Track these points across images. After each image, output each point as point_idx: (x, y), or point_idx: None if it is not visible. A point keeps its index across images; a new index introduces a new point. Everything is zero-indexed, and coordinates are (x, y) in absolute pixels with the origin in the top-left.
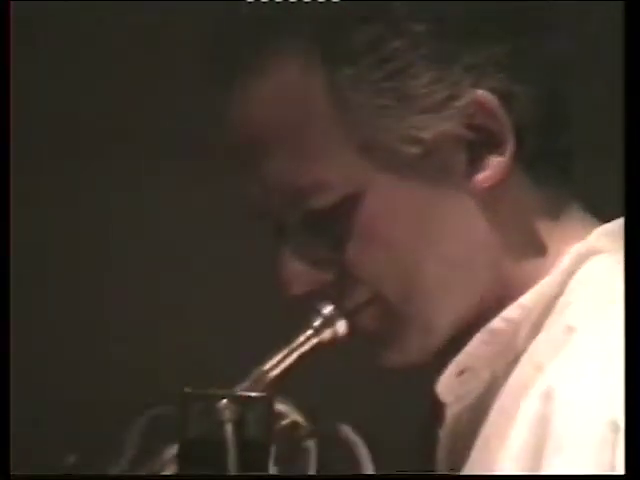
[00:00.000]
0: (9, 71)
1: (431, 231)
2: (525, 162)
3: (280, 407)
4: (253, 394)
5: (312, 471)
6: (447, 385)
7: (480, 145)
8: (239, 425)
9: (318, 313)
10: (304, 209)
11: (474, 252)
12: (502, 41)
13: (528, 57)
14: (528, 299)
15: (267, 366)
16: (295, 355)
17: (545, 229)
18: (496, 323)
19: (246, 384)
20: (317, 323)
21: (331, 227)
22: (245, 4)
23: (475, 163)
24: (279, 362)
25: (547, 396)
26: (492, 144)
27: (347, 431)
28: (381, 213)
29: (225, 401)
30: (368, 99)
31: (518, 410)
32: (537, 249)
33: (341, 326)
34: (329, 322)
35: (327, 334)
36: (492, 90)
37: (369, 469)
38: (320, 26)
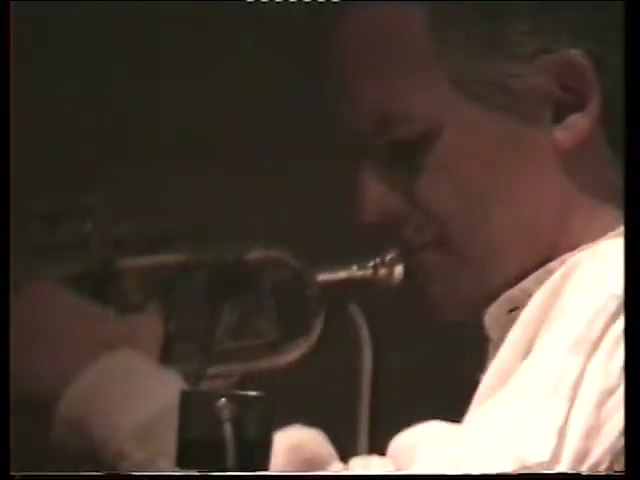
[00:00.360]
0: (9, 71)
1: (504, 180)
2: (609, 132)
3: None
4: (252, 393)
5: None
6: (497, 320)
7: (567, 104)
8: (238, 424)
9: (379, 254)
10: (389, 136)
11: (542, 211)
12: (605, 11)
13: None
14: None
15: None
16: (349, 280)
17: (613, 200)
18: (553, 264)
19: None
20: (375, 262)
21: (411, 158)
22: None
23: (559, 121)
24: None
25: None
26: (579, 105)
27: (354, 310)
28: (457, 151)
29: (224, 400)
30: (464, 38)
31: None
32: (604, 219)
33: (398, 271)
34: (388, 264)
35: (383, 273)
36: (588, 52)
37: (368, 350)
38: None
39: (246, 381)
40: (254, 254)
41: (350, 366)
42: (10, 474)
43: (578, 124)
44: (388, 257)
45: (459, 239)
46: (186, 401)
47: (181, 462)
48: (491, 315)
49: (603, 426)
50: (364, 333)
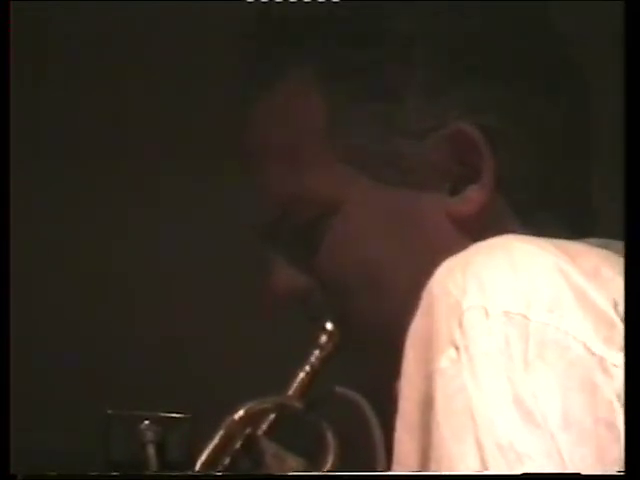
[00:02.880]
0: (9, 71)
1: (403, 251)
2: (512, 201)
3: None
4: (175, 415)
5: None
6: None
7: (461, 177)
8: (161, 446)
9: (323, 329)
10: (293, 218)
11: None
12: (497, 80)
13: (522, 101)
14: None
15: (291, 392)
16: (311, 374)
17: None
18: None
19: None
20: (323, 339)
21: (312, 235)
22: (254, 21)
23: (455, 193)
24: (300, 382)
25: None
26: (473, 177)
27: (344, 391)
28: (355, 226)
29: (147, 422)
30: (357, 117)
31: None
32: None
33: (338, 335)
34: (331, 336)
35: (330, 347)
36: (479, 126)
37: (375, 424)
38: (320, 44)
39: None
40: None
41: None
42: (10, 474)
43: (474, 196)
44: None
45: (358, 313)
46: (110, 424)
47: None
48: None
49: None
50: (365, 407)
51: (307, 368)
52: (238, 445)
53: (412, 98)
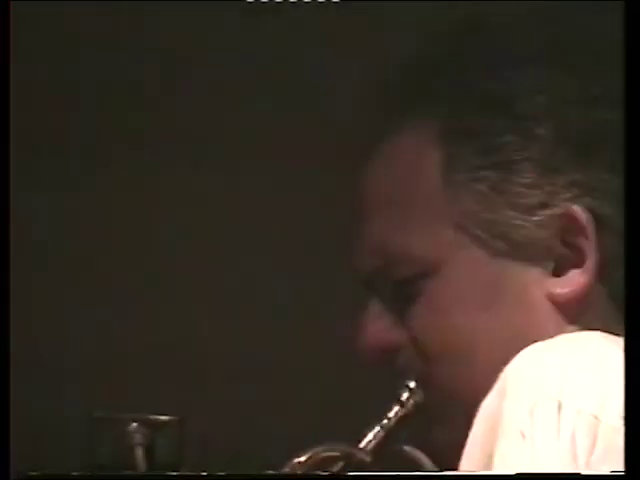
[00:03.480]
0: (9, 71)
1: (495, 325)
2: (609, 289)
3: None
4: (163, 417)
5: None
6: None
7: (566, 259)
8: (150, 448)
9: (406, 387)
10: (390, 273)
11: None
12: (614, 170)
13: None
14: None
15: (363, 444)
16: (387, 429)
17: None
18: None
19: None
20: (404, 397)
21: (409, 293)
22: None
23: (557, 275)
24: (373, 436)
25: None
26: (578, 261)
27: (411, 450)
28: (452, 291)
29: (135, 425)
30: (471, 182)
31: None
32: None
33: (420, 395)
34: (413, 394)
35: (410, 405)
36: (588, 209)
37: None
38: (444, 107)
39: None
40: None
41: None
42: (10, 474)
43: (575, 280)
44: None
45: (447, 378)
46: (98, 426)
47: None
48: None
49: None
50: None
51: (384, 422)
52: None
53: (529, 173)
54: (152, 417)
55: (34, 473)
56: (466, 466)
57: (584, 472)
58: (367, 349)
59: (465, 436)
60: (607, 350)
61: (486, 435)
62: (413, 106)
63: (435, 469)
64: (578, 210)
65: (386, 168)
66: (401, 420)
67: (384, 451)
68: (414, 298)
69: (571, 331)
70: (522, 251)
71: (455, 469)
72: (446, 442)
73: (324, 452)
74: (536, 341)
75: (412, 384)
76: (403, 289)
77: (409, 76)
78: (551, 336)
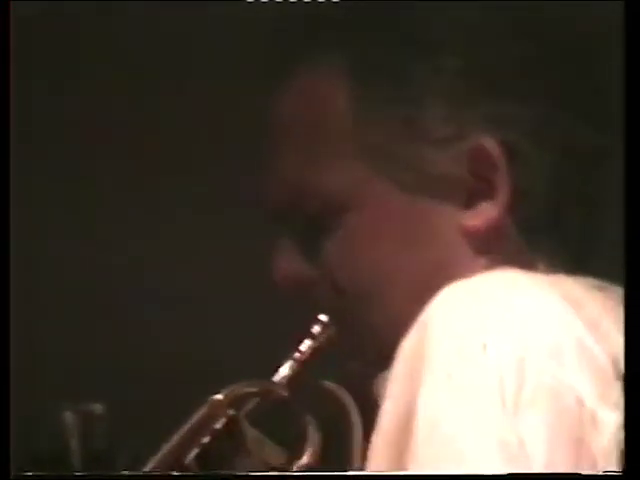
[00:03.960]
0: (9, 71)
1: (410, 259)
2: (519, 222)
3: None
4: (96, 406)
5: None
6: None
7: (477, 192)
8: (83, 437)
9: (317, 321)
10: (302, 209)
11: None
12: (526, 102)
13: (548, 121)
14: None
15: (278, 378)
16: (301, 363)
17: None
18: None
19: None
20: (316, 330)
21: (323, 230)
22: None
23: (469, 207)
24: (289, 371)
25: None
26: (489, 193)
27: (331, 386)
28: (366, 227)
29: (69, 414)
30: (382, 118)
31: None
32: None
33: (333, 329)
34: (325, 328)
35: (323, 338)
36: (500, 142)
37: (357, 424)
38: (352, 43)
39: None
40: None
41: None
42: (10, 474)
43: (487, 212)
44: (325, 323)
45: (360, 313)
46: (35, 415)
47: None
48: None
49: None
50: (350, 404)
51: (297, 356)
52: (219, 425)
53: (437, 106)
54: (85, 407)
55: (33, 473)
56: (388, 404)
57: (584, 472)
58: (280, 284)
59: (380, 371)
60: (530, 290)
61: (408, 375)
62: (319, 41)
63: (354, 405)
64: (489, 143)
65: (295, 104)
66: (314, 354)
67: (303, 386)
68: (327, 233)
69: (484, 263)
70: (434, 185)
71: (373, 405)
72: (362, 376)
73: (242, 389)
74: (450, 275)
75: (324, 318)
76: (316, 224)
77: (314, 11)
78: (465, 270)
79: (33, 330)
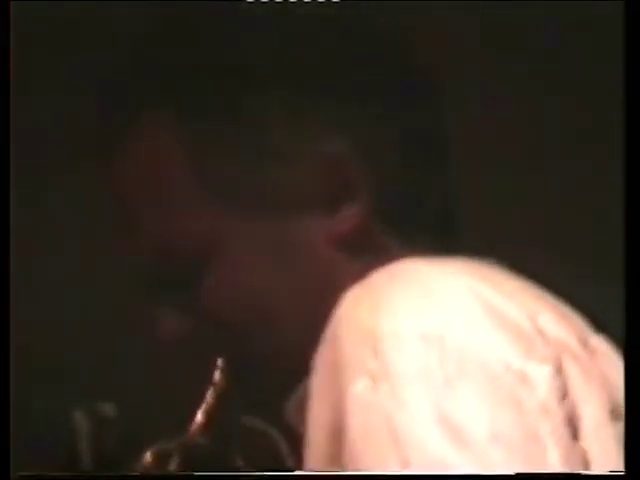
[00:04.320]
0: (9, 71)
1: (293, 284)
2: (385, 218)
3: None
4: (108, 407)
5: None
6: None
7: (336, 196)
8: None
9: (215, 366)
10: (170, 261)
11: (327, 295)
12: (356, 97)
13: (385, 116)
14: None
15: (192, 430)
16: (210, 410)
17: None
18: None
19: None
20: (216, 377)
21: (196, 277)
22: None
23: (332, 214)
24: (201, 419)
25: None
26: (348, 195)
27: (251, 420)
28: (238, 262)
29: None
30: (223, 150)
31: None
32: None
33: (229, 371)
34: (223, 372)
35: (223, 382)
36: (351, 144)
37: (285, 451)
38: (175, 87)
39: None
40: None
41: None
42: (10, 474)
43: (349, 213)
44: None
45: (250, 345)
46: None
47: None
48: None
49: None
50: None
51: (204, 406)
52: None
53: (275, 124)
54: (97, 407)
55: (33, 473)
56: (314, 420)
57: (584, 472)
58: (167, 344)
59: (287, 398)
60: (431, 271)
61: (327, 387)
62: (142, 97)
63: (277, 434)
64: (334, 146)
65: (135, 166)
66: (220, 398)
67: (225, 429)
68: (201, 280)
69: (361, 266)
70: (292, 204)
71: (295, 422)
72: (279, 405)
73: (161, 448)
74: (329, 287)
75: (219, 362)
76: (186, 275)
77: (128, 68)
78: (343, 277)
79: (46, 329)
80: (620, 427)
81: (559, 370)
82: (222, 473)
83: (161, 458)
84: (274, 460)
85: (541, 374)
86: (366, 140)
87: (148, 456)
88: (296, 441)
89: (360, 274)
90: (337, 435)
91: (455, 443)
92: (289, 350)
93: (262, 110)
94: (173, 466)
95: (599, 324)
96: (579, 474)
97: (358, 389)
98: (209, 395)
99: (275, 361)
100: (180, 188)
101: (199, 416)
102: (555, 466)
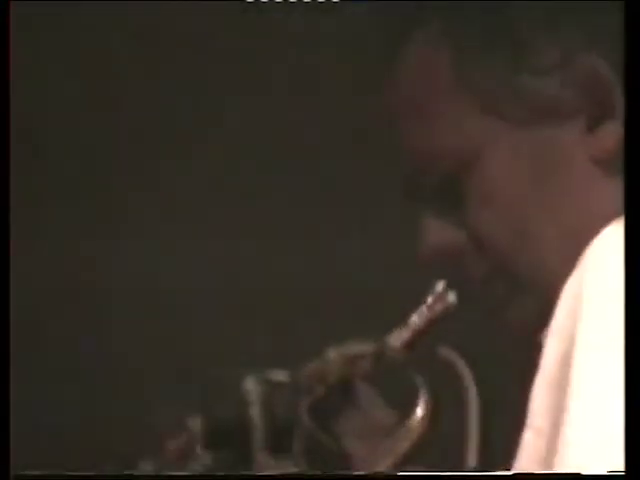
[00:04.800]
0: (9, 71)
1: (549, 199)
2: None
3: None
4: (281, 376)
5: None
6: None
7: (596, 113)
8: (267, 406)
9: (431, 290)
10: (433, 174)
11: (596, 224)
12: (612, 11)
13: None
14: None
15: (390, 341)
16: (412, 331)
17: None
18: None
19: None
20: (429, 301)
21: (458, 191)
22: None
23: (592, 131)
24: (398, 337)
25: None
26: (608, 111)
27: (447, 352)
28: (498, 176)
29: (252, 381)
30: (484, 60)
31: None
32: None
33: (452, 298)
34: (441, 298)
35: (439, 308)
36: (605, 56)
37: (472, 389)
38: (443, 11)
39: None
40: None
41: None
42: (10, 474)
43: (611, 132)
44: (438, 288)
45: (515, 262)
46: (213, 380)
47: (207, 440)
48: None
49: None
50: (464, 371)
51: (412, 324)
52: (333, 379)
53: (532, 37)
54: (269, 375)
55: (33, 472)
56: (551, 342)
57: (585, 472)
58: (429, 257)
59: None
60: None
61: (571, 313)
62: (414, 20)
63: (469, 371)
64: (592, 60)
65: (404, 81)
66: (430, 322)
67: (419, 352)
68: (462, 195)
69: (618, 187)
70: (551, 116)
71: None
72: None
73: (356, 347)
74: (589, 208)
75: (440, 286)
76: (448, 189)
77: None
78: (602, 198)
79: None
80: None
81: None
82: (222, 473)
83: (350, 357)
84: (460, 397)
85: None
86: (621, 58)
87: (343, 350)
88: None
89: (617, 196)
90: (566, 362)
91: None
92: (545, 273)
93: (520, 23)
94: (357, 368)
95: None
96: (579, 474)
97: (589, 330)
98: (419, 315)
99: (530, 286)
100: (440, 99)
101: (404, 332)
102: None
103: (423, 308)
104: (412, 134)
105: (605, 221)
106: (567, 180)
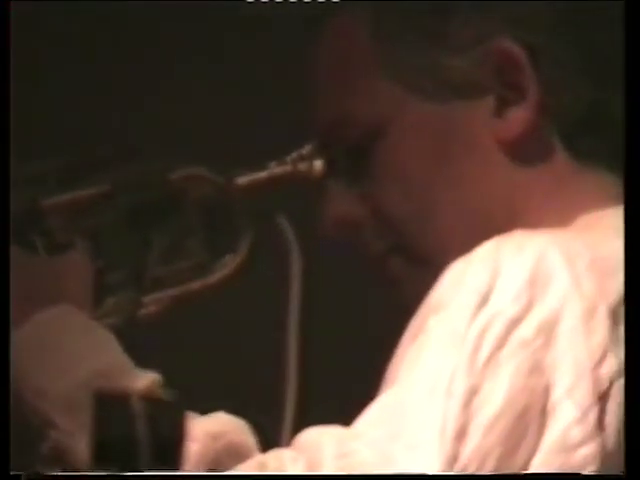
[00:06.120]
0: (9, 71)
1: (450, 174)
2: (554, 120)
3: None
4: (165, 398)
5: None
6: None
7: (505, 97)
8: (152, 423)
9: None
10: (342, 140)
11: (493, 204)
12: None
13: (571, 21)
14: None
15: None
16: (268, 175)
17: (566, 187)
18: None
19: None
20: (294, 155)
21: (364, 162)
22: None
23: (499, 114)
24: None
25: None
26: (518, 97)
27: (282, 222)
28: (403, 148)
29: (137, 399)
30: (402, 33)
31: None
32: (556, 210)
33: (317, 164)
34: (305, 157)
35: (303, 167)
36: (521, 41)
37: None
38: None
39: (179, 304)
40: (177, 173)
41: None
42: (10, 474)
43: (518, 116)
44: (306, 151)
45: (414, 239)
46: (100, 401)
47: (96, 462)
48: None
49: (469, 425)
50: (293, 244)
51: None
52: None
53: (456, 13)
54: (155, 396)
55: (33, 472)
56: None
57: (585, 472)
58: (331, 227)
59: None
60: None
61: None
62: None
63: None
64: (509, 44)
65: (325, 45)
66: (290, 175)
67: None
68: (368, 168)
69: (522, 175)
70: (462, 94)
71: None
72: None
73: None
74: (490, 192)
75: (308, 149)
76: (355, 161)
77: None
78: (508, 175)
79: None
80: None
81: None
82: (223, 473)
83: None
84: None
85: None
86: (543, 43)
87: None
88: None
89: (520, 182)
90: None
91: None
92: (440, 250)
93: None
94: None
95: None
96: (579, 474)
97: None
98: (280, 164)
99: (427, 263)
100: (356, 67)
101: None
102: None
103: (287, 159)
104: (328, 102)
105: (507, 205)
106: (472, 161)
